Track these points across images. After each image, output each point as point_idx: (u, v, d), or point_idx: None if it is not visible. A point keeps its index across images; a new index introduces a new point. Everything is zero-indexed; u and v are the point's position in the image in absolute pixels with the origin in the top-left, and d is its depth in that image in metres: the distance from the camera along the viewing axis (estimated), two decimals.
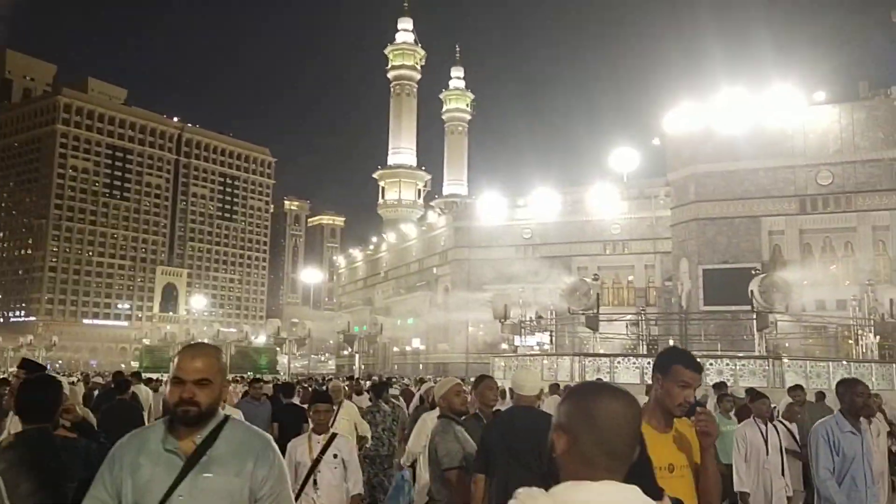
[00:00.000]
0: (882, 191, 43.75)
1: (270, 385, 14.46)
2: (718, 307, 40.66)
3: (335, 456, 5.23)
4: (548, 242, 63.22)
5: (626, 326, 25.05)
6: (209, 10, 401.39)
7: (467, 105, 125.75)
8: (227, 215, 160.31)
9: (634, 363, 17.58)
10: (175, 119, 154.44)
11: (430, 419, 6.72)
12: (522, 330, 24.38)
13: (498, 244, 66.35)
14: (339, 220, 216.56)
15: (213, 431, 2.49)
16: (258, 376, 17.34)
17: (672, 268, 52.28)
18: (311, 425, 5.50)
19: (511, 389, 4.66)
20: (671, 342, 31.27)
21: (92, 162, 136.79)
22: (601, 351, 22.27)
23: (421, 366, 69.04)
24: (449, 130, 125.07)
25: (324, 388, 10.20)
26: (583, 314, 21.22)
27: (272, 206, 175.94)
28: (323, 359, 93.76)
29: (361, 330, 52.76)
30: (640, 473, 1.66)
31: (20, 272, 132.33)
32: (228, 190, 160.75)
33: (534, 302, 31.25)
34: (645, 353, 22.33)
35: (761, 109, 45.93)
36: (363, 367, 48.58)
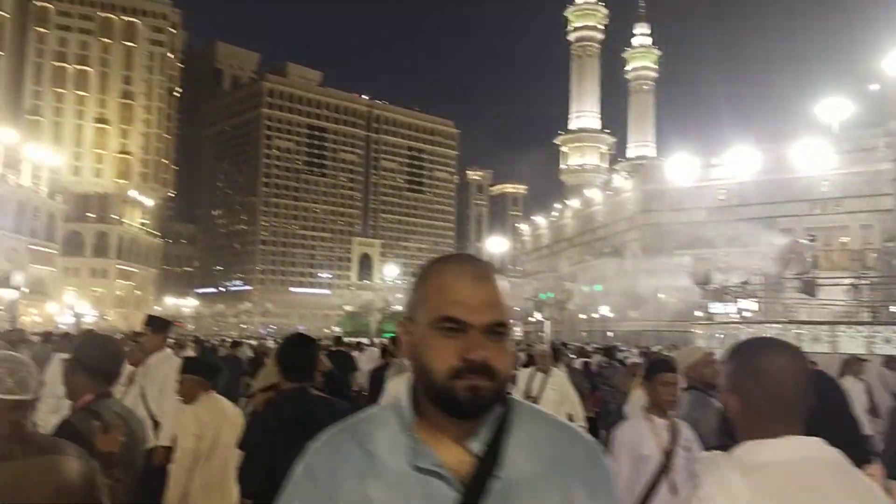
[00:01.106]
0: None
1: None
2: None
3: (687, 448, 3.61)
4: (746, 203, 59.15)
5: (846, 291, 22.78)
6: None
7: (653, 62, 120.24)
8: (414, 187, 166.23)
9: (860, 331, 15.97)
10: (365, 97, 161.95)
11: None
12: (726, 296, 22.95)
13: (690, 206, 63.14)
14: (522, 188, 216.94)
15: (499, 429, 1.30)
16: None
17: (894, 227, 46.96)
18: (646, 404, 3.78)
19: None
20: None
21: (293, 142, 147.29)
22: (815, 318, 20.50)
23: (610, 334, 67.81)
24: (633, 90, 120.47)
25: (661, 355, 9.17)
26: (796, 278, 19.61)
27: (457, 177, 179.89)
28: None
29: (548, 297, 52.59)
30: (847, 435, 1.66)
31: (236, 245, 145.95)
32: (415, 163, 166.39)
33: (731, 266, 29.35)
34: (869, 320, 20.26)
35: None
36: (551, 334, 48.53)
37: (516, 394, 7.69)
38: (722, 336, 21.61)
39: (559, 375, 7.77)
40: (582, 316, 73.69)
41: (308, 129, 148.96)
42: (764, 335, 1.79)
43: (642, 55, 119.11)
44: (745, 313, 27.26)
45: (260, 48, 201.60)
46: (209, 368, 5.02)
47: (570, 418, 7.46)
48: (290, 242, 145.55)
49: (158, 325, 5.74)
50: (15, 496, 1.97)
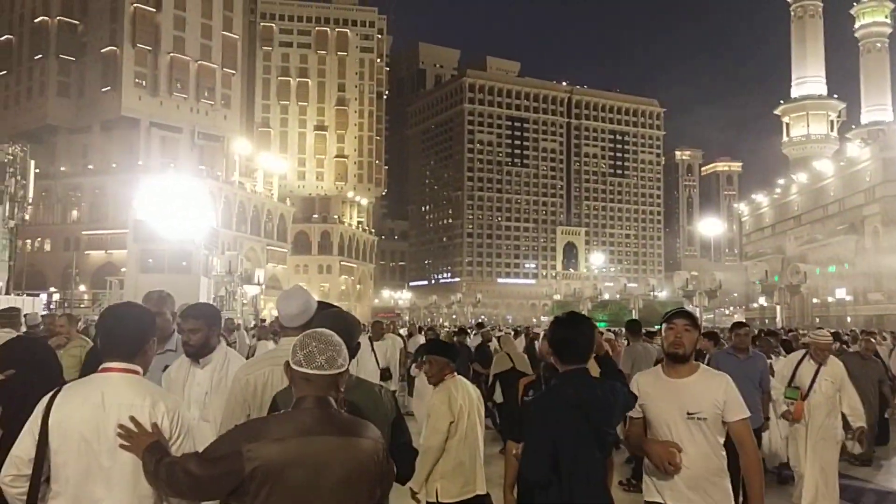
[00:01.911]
0: None
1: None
2: None
3: None
4: None
5: None
6: None
7: (886, 16, 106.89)
8: (618, 172, 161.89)
9: None
10: (564, 84, 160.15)
11: None
12: None
13: None
14: (736, 166, 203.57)
15: None
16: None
17: None
18: None
19: None
20: None
21: (495, 134, 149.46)
22: None
23: (849, 318, 61.42)
24: (864, 49, 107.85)
25: None
26: None
27: (663, 158, 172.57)
28: (728, 312, 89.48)
29: (773, 280, 48.62)
30: None
31: (444, 239, 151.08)
32: (619, 146, 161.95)
33: None
34: None
35: None
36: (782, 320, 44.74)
37: (778, 383, 6.89)
38: None
39: (836, 365, 6.79)
40: (815, 300, 67.54)
41: (509, 121, 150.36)
42: None
43: (873, 10, 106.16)
44: None
45: (459, 45, 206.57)
46: (453, 351, 5.08)
47: (845, 418, 6.56)
48: (496, 234, 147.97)
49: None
50: (317, 469, 2.16)
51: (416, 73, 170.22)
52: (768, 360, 7.55)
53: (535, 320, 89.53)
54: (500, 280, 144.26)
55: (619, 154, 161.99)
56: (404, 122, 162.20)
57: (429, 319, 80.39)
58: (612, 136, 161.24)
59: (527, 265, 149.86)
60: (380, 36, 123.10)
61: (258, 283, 58.63)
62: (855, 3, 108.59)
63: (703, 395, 3.35)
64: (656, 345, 8.73)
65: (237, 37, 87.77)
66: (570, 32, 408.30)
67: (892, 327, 37.24)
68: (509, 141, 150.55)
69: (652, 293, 51.41)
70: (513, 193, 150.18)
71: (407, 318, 78.26)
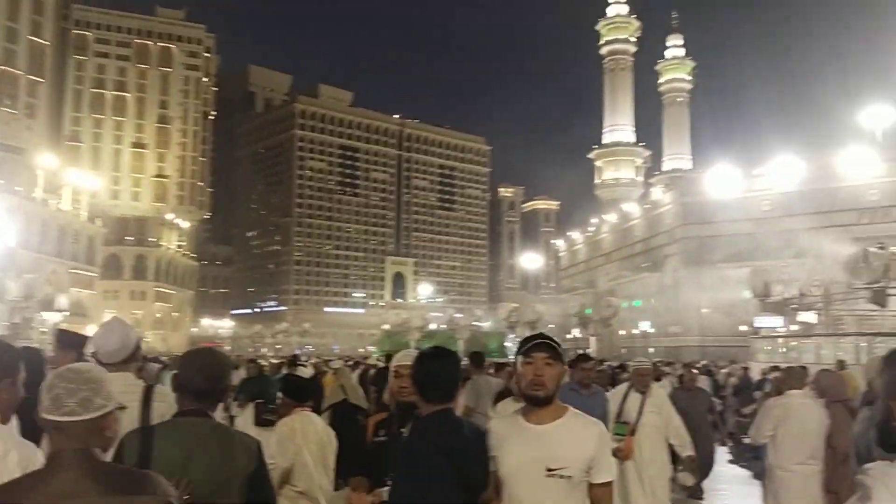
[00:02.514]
0: None
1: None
2: None
3: None
4: (792, 214, 57.73)
5: None
6: (419, 8, 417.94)
7: (687, 73, 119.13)
8: (446, 205, 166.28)
9: None
10: (396, 116, 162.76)
11: (778, 403, 5.82)
12: (789, 308, 22.04)
13: (733, 219, 61.90)
14: (554, 204, 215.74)
15: None
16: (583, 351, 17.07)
17: None
18: None
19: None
20: None
21: (325, 162, 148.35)
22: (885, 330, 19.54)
23: (651, 349, 66.53)
24: (668, 102, 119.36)
25: None
26: (867, 288, 18.68)
27: (489, 193, 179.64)
28: None
29: (587, 313, 51.74)
30: None
31: (271, 266, 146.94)
32: (447, 181, 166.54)
33: (793, 278, 28.39)
34: None
35: None
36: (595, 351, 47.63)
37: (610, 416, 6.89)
38: (784, 350, 20.74)
39: (659, 394, 6.96)
40: (622, 332, 72.59)
41: (340, 150, 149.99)
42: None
43: (676, 67, 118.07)
44: (795, 326, 26.29)
45: (292, 71, 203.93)
46: (307, 393, 4.93)
47: (673, 450, 6.57)
48: (324, 262, 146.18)
49: (69, 340, 4.65)
50: None
51: (245, 96, 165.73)
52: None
53: (361, 350, 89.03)
54: (327, 309, 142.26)
55: (447, 188, 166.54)
56: (232, 145, 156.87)
57: (251, 349, 77.33)
58: (440, 171, 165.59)
59: (355, 294, 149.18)
60: (207, 54, 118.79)
61: (60, 310, 53.60)
62: (660, 60, 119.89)
63: (569, 447, 2.76)
64: (500, 378, 8.43)
65: (47, 43, 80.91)
66: (405, 67, 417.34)
67: (688, 358, 40.73)
68: (340, 169, 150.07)
69: (477, 323, 52.80)
70: (343, 222, 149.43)
71: (229, 348, 74.85)
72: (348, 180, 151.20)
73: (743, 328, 56.81)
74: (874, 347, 16.09)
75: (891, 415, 1.50)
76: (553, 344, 2.90)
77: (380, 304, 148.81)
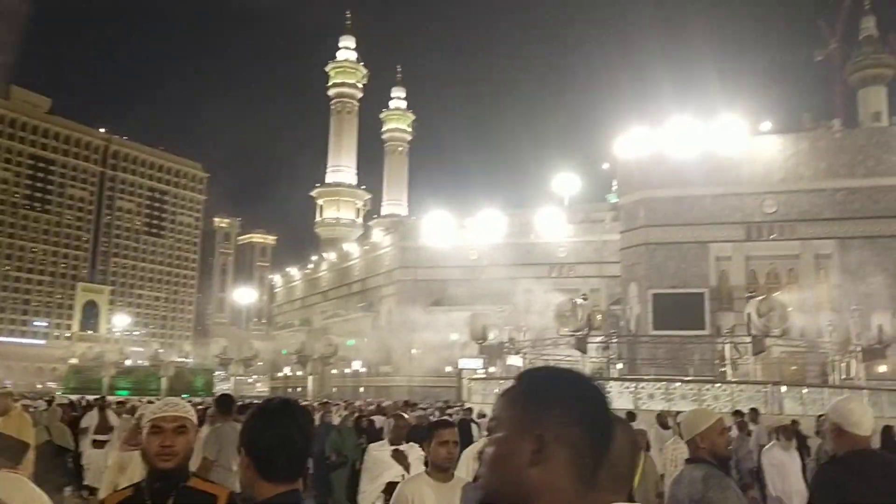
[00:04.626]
0: (824, 220, 45.19)
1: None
2: (668, 331, 40.86)
3: None
4: (495, 264, 62.99)
5: (598, 349, 24.69)
6: (140, 18, 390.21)
7: (408, 125, 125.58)
8: (154, 231, 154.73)
9: (627, 387, 17.16)
10: (102, 130, 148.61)
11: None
12: (507, 352, 23.62)
13: (445, 265, 65.81)
14: (271, 239, 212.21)
15: None
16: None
17: (620, 292, 52.73)
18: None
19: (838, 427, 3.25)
20: (620, 367, 31.24)
21: (12, 172, 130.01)
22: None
23: (362, 388, 67.56)
24: (389, 150, 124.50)
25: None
26: (572, 335, 20.76)
27: (202, 222, 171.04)
28: (250, 380, 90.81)
29: (308, 351, 51.02)
30: None
31: None
32: (157, 205, 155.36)
33: (507, 322, 30.63)
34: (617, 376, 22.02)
35: (709, 137, 46.97)
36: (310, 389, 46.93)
37: None
38: (497, 391, 22.13)
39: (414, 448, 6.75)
40: (334, 371, 72.81)
41: (31, 160, 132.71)
42: None
43: (398, 118, 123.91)
44: (494, 369, 28.45)
45: None
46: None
47: None
48: (1, 285, 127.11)
49: None
50: None
51: None
52: None
53: (39, 387, 78.35)
54: (0, 338, 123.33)
55: (156, 213, 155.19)
56: None
57: None
58: (150, 193, 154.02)
59: (36, 323, 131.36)
60: None
61: None
62: (384, 109, 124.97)
63: None
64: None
65: None
66: (113, 78, 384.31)
67: (398, 397, 41.92)
68: (30, 182, 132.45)
69: (185, 359, 49.25)
70: (28, 241, 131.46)
71: None
72: (38, 195, 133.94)
73: (448, 369, 60.33)
74: None
75: None
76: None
77: (65, 334, 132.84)
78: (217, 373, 49.45)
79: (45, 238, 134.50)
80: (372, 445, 6.81)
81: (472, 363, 44.32)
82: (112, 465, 6.76)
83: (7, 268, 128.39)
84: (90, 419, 12.39)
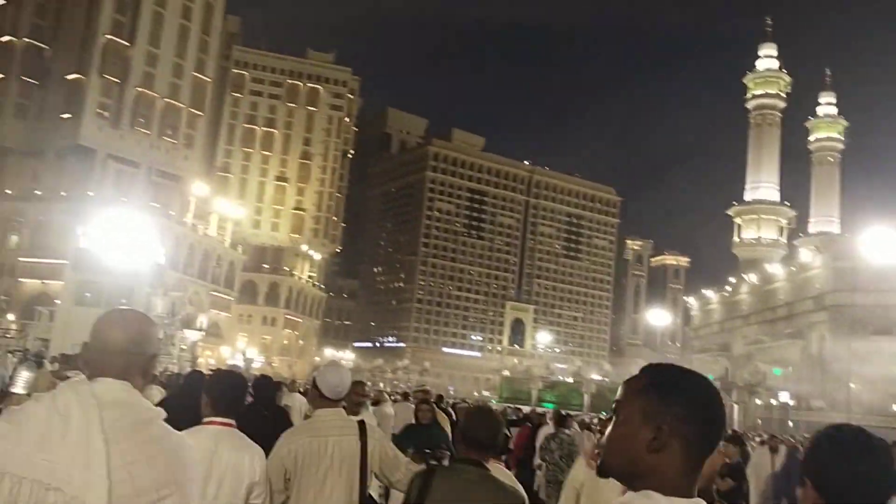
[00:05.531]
0: None
1: None
2: None
3: None
4: None
5: None
6: (560, 58, 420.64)
7: (839, 133, 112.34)
8: (571, 254, 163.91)
9: None
10: (526, 163, 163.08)
11: None
12: None
13: (890, 288, 56.95)
14: (684, 261, 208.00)
15: None
16: None
17: None
18: None
19: None
20: None
21: (454, 204, 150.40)
22: None
23: (790, 423, 61.65)
24: (817, 161, 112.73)
25: None
26: None
27: (616, 245, 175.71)
28: None
29: (732, 378, 48.48)
30: None
31: (393, 302, 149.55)
32: (573, 229, 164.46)
33: None
34: None
35: None
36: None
37: None
38: None
39: None
40: (758, 402, 67.87)
41: (469, 193, 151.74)
42: None
43: (828, 125, 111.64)
44: None
45: (427, 114, 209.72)
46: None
47: None
48: (445, 303, 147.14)
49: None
50: None
51: (381, 136, 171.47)
52: None
53: (475, 394, 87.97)
54: (444, 349, 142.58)
55: (573, 237, 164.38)
56: (365, 183, 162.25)
57: (369, 384, 78.01)
58: (567, 219, 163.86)
59: (473, 337, 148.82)
60: (351, 96, 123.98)
61: (200, 329, 56.25)
62: (811, 117, 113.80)
63: None
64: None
65: (209, 80, 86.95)
66: (539, 113, 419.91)
67: None
68: (468, 212, 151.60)
69: (604, 378, 50.77)
70: (466, 264, 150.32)
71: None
72: (475, 223, 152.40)
73: None
74: None
75: None
76: None
77: (496, 348, 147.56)
78: None
79: (480, 261, 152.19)
80: None
81: None
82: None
83: (450, 287, 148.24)
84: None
